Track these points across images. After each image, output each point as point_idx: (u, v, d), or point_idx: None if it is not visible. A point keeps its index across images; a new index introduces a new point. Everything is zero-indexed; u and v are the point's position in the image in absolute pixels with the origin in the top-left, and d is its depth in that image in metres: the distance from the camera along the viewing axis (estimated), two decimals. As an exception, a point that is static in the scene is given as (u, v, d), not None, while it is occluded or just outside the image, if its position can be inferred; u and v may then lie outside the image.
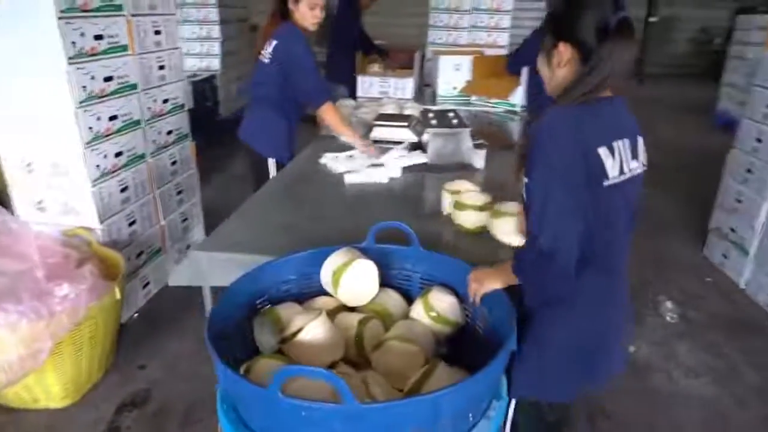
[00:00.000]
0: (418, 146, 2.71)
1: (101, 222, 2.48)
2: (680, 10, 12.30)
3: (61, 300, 1.89)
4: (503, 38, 5.63)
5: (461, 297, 1.44)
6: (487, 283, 1.30)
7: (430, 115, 2.76)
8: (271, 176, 2.65)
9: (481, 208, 1.76)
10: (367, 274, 1.46)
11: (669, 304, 2.85)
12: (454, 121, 2.64)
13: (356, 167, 2.36)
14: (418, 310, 1.43)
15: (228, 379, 1.04)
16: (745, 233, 3.13)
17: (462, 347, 1.44)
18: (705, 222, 3.58)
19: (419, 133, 2.89)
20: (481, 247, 1.70)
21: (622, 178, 1.14)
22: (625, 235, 1.24)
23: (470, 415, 1.08)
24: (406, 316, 1.48)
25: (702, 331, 2.72)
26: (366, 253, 1.48)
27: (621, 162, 1.14)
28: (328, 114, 2.64)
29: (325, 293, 1.52)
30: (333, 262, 1.46)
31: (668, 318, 2.79)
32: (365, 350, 1.36)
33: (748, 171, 3.14)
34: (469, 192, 1.86)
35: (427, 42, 5.74)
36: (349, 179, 2.16)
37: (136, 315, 2.70)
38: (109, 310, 2.17)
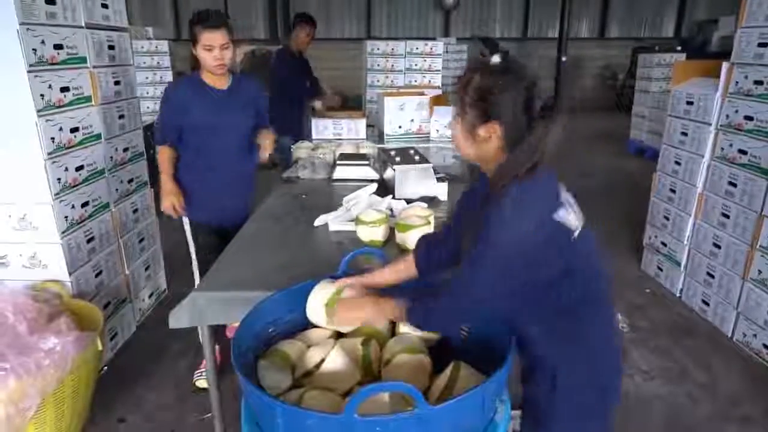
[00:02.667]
0: (380, 183, 2.85)
1: (70, 274, 2.42)
2: (586, 50, 13.48)
3: (47, 353, 1.84)
4: (437, 79, 6.00)
5: None
6: (354, 316, 1.38)
7: (392, 152, 2.92)
8: (187, 238, 2.55)
9: (378, 223, 2.01)
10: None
11: (619, 316, 3.11)
12: (416, 158, 2.81)
13: (343, 218, 2.33)
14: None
15: (293, 416, 1.04)
16: (675, 247, 3.48)
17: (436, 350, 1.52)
18: (637, 238, 3.94)
19: (379, 171, 3.05)
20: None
21: (581, 223, 1.22)
22: (603, 264, 1.32)
23: (497, 400, 1.21)
24: (390, 332, 1.57)
25: (650, 338, 2.98)
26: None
27: (572, 208, 1.21)
28: (159, 156, 2.46)
29: (312, 325, 1.54)
30: (320, 294, 1.49)
31: (620, 328, 3.04)
32: (373, 369, 1.45)
33: (672, 191, 3.52)
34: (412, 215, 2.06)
35: (365, 85, 6.01)
36: (333, 227, 2.24)
37: (105, 368, 2.61)
38: (91, 362, 2.11)
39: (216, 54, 2.27)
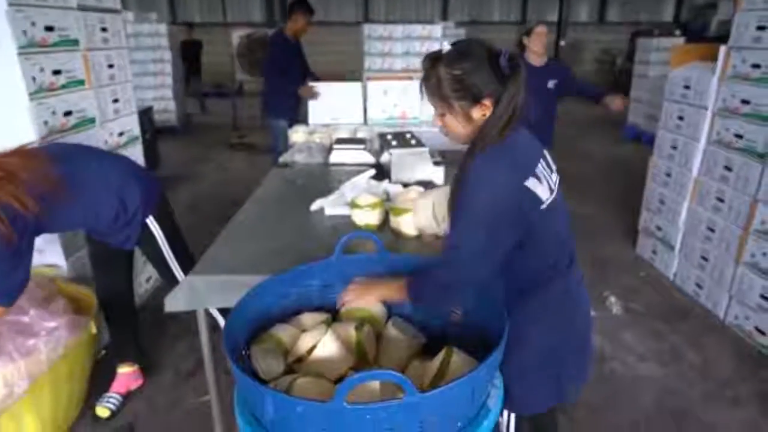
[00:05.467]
0: (377, 167, 2.85)
1: (66, 259, 2.42)
2: (585, 34, 13.39)
3: (40, 336, 1.86)
4: (435, 63, 5.97)
5: None
6: (367, 297, 1.43)
7: (389, 136, 2.91)
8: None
9: (372, 207, 2.01)
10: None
11: (613, 299, 3.13)
12: (413, 141, 2.81)
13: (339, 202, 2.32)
14: None
15: (282, 403, 1.04)
16: (669, 231, 3.49)
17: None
18: (633, 223, 3.96)
19: (376, 155, 3.04)
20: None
21: (553, 195, 1.29)
22: (571, 237, 1.42)
23: (489, 385, 1.21)
24: (387, 315, 1.58)
25: (644, 321, 3.01)
26: (334, 265, 1.58)
27: (548, 182, 1.28)
28: None
29: (306, 310, 1.57)
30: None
31: (614, 311, 3.07)
32: (367, 355, 1.46)
33: (667, 175, 3.53)
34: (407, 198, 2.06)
35: (363, 69, 5.97)
36: (328, 211, 2.24)
37: (104, 352, 2.62)
38: (86, 345, 2.12)
39: None
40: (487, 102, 1.24)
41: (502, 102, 1.22)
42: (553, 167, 1.36)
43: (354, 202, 2.06)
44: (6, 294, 1.68)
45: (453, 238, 1.24)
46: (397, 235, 1.98)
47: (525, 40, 3.73)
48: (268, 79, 4.58)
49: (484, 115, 1.26)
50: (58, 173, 1.73)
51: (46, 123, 2.29)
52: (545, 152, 1.36)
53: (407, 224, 1.97)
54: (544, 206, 1.25)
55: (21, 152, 1.74)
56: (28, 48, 2.18)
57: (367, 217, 2.03)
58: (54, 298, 2.14)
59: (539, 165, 1.28)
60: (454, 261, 1.24)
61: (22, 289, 1.72)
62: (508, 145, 1.24)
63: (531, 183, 1.22)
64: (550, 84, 3.63)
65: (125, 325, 2.35)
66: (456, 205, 1.24)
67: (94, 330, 2.14)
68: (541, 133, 1.43)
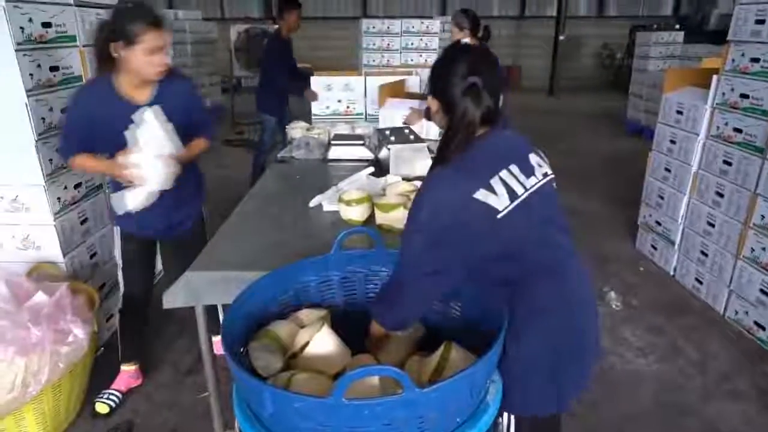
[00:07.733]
0: (375, 163, 2.84)
1: (64, 255, 2.42)
2: (584, 28, 13.34)
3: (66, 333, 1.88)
4: (433, 58, 5.95)
5: None
6: (382, 347, 1.43)
7: (387, 132, 2.91)
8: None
9: (356, 202, 2.02)
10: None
11: (613, 294, 3.14)
12: (411, 137, 2.80)
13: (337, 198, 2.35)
14: None
15: (281, 399, 1.04)
16: (669, 226, 3.49)
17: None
18: (633, 218, 3.96)
19: (375, 150, 3.03)
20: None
21: (518, 200, 1.21)
22: (560, 236, 1.34)
23: (487, 381, 1.20)
24: None
25: (643, 316, 3.01)
26: (333, 261, 1.58)
27: (510, 189, 1.21)
28: (76, 168, 2.17)
29: (304, 306, 1.57)
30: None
31: (614, 306, 3.07)
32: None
33: (667, 170, 3.52)
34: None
35: (361, 64, 5.96)
36: (327, 207, 2.24)
37: (102, 349, 2.62)
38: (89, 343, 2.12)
39: (160, 58, 1.90)
40: (436, 100, 1.32)
41: (454, 117, 1.24)
42: (537, 171, 1.29)
43: (340, 197, 2.06)
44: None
45: (399, 256, 1.28)
46: (388, 231, 1.96)
47: None
48: (263, 77, 4.68)
49: (436, 111, 1.33)
50: None
51: (43, 120, 2.28)
52: (530, 156, 1.30)
53: (396, 219, 1.96)
54: (501, 215, 1.20)
55: None
56: (25, 44, 2.17)
57: (351, 213, 2.03)
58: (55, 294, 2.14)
59: (502, 173, 1.22)
60: (398, 279, 1.29)
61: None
62: (462, 162, 1.22)
63: (481, 194, 1.18)
64: None
65: (136, 324, 2.37)
66: (407, 218, 1.27)
67: (95, 327, 2.14)
68: None
